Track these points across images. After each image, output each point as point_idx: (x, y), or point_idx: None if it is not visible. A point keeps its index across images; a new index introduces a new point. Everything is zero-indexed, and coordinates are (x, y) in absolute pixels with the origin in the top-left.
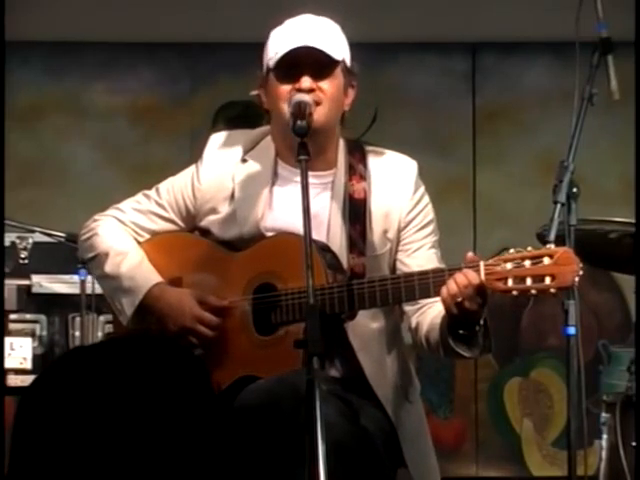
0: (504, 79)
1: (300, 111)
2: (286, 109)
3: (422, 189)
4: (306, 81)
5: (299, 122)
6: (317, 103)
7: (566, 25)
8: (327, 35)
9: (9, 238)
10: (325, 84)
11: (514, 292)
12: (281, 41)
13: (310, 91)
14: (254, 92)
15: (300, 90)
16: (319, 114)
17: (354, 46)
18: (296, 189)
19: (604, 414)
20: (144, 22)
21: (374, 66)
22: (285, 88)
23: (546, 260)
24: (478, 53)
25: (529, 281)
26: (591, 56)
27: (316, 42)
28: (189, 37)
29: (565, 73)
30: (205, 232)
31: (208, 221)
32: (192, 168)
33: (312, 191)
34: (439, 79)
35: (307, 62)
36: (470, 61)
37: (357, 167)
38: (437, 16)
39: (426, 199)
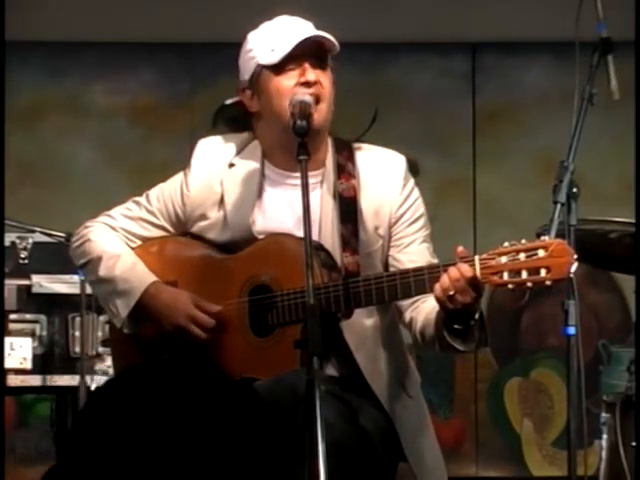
0: (504, 79)
1: (301, 111)
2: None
3: (411, 183)
4: (311, 73)
5: (299, 122)
6: (318, 99)
7: (566, 25)
8: (315, 28)
9: (9, 238)
10: (323, 78)
11: (510, 285)
12: (276, 38)
13: (314, 84)
14: (232, 100)
15: (306, 83)
16: (320, 113)
17: (354, 46)
18: (285, 191)
19: (604, 414)
20: (144, 22)
21: (374, 66)
22: (287, 83)
23: (541, 252)
24: (478, 53)
25: (524, 274)
26: (591, 56)
27: (316, 32)
28: (189, 37)
29: (565, 73)
30: (196, 238)
31: (199, 227)
32: (180, 175)
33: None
34: (439, 79)
35: (307, 55)
36: (470, 61)
37: (346, 165)
38: (437, 16)
39: (416, 193)
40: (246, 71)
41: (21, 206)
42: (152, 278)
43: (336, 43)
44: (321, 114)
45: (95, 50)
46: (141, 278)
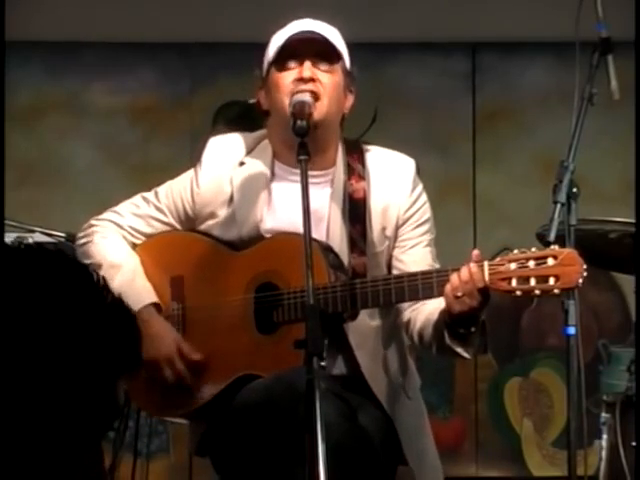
0: (504, 79)
1: (300, 111)
2: (287, 102)
3: (420, 187)
4: (307, 70)
5: (299, 122)
6: (316, 96)
7: (566, 25)
8: (327, 29)
9: (9, 238)
10: (325, 77)
11: (518, 292)
12: (282, 35)
13: (310, 80)
14: (254, 100)
15: (300, 79)
16: (318, 110)
17: (354, 46)
18: (294, 188)
19: (604, 414)
20: (144, 22)
21: (374, 66)
22: (286, 79)
23: (550, 261)
24: (478, 53)
25: (533, 281)
26: (591, 56)
27: (317, 29)
28: (189, 37)
29: (565, 73)
30: (204, 233)
31: (207, 225)
32: (191, 172)
33: (311, 189)
34: (439, 79)
35: (308, 51)
36: (470, 61)
37: (356, 167)
38: (437, 16)
39: (424, 197)
40: (262, 69)
41: (21, 206)
42: (147, 298)
43: (334, 43)
44: (319, 111)
45: (95, 50)
46: (137, 297)
